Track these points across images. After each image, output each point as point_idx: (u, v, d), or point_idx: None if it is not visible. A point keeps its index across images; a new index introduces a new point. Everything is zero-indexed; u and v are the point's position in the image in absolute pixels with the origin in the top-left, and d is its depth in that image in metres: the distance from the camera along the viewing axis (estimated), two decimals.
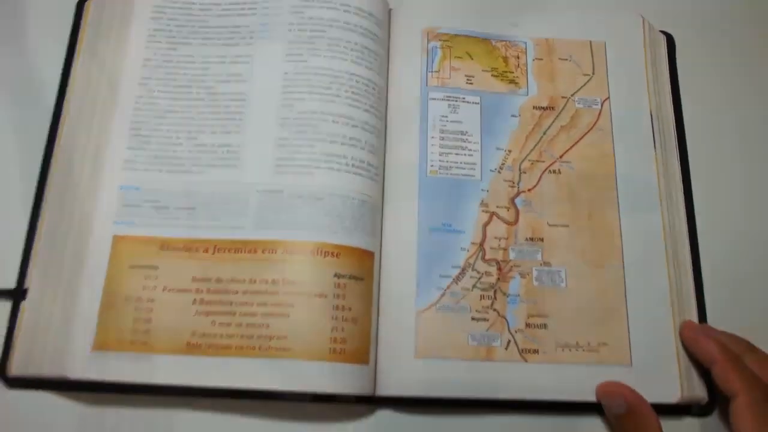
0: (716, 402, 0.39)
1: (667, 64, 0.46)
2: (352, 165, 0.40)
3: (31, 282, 0.39)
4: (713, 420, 0.39)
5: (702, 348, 0.37)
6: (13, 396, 0.38)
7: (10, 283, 0.39)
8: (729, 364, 0.35)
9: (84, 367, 0.36)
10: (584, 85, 0.44)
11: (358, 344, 0.37)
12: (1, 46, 0.46)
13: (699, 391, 0.38)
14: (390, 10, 0.46)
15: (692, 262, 0.42)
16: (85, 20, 0.45)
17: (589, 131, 0.43)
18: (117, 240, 0.38)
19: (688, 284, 0.41)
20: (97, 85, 0.43)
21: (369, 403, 0.39)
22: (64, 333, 0.37)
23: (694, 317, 0.41)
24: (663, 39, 0.47)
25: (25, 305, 0.39)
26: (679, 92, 0.46)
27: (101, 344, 0.36)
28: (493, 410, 0.39)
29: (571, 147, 0.43)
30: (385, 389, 0.37)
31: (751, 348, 0.38)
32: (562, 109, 0.43)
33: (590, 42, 0.45)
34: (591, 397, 0.38)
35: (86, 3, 0.46)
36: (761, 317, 0.42)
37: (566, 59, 0.44)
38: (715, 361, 0.36)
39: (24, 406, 0.38)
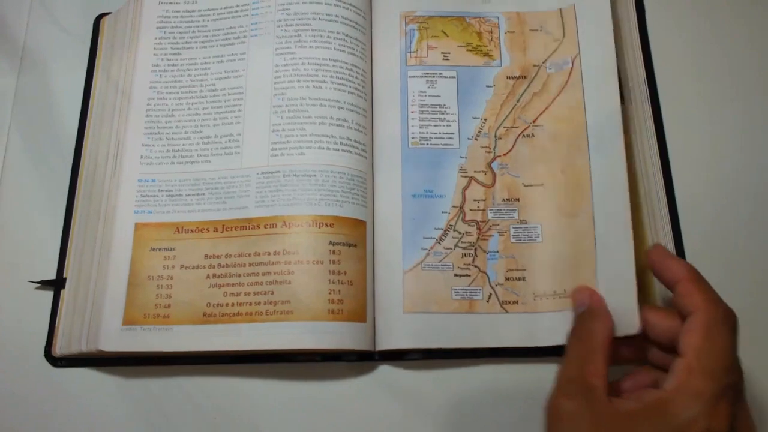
0: None
1: (636, 21, 0.47)
2: (341, 143, 0.42)
3: (68, 271, 0.43)
4: None
5: (669, 267, 0.34)
6: (58, 374, 0.42)
7: (51, 274, 0.43)
8: (695, 282, 0.33)
9: (116, 341, 0.39)
10: (555, 50, 0.44)
11: (355, 304, 0.39)
12: (30, 61, 0.49)
13: None
14: None
15: (668, 203, 0.43)
16: (102, 34, 0.49)
17: (560, 92, 0.43)
18: (138, 227, 0.42)
19: (665, 224, 0.42)
20: (115, 91, 0.46)
21: (370, 359, 0.41)
22: (98, 313, 0.40)
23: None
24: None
25: (64, 292, 0.42)
26: (648, 43, 0.47)
27: (130, 320, 0.39)
28: (481, 359, 0.41)
29: (543, 110, 0.43)
30: (382, 344, 0.40)
31: None
32: (534, 76, 0.44)
33: (560, 10, 0.45)
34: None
35: (102, 19, 0.49)
36: (737, 254, 0.43)
37: (537, 29, 0.45)
38: (681, 279, 0.33)
39: (67, 382, 0.42)
